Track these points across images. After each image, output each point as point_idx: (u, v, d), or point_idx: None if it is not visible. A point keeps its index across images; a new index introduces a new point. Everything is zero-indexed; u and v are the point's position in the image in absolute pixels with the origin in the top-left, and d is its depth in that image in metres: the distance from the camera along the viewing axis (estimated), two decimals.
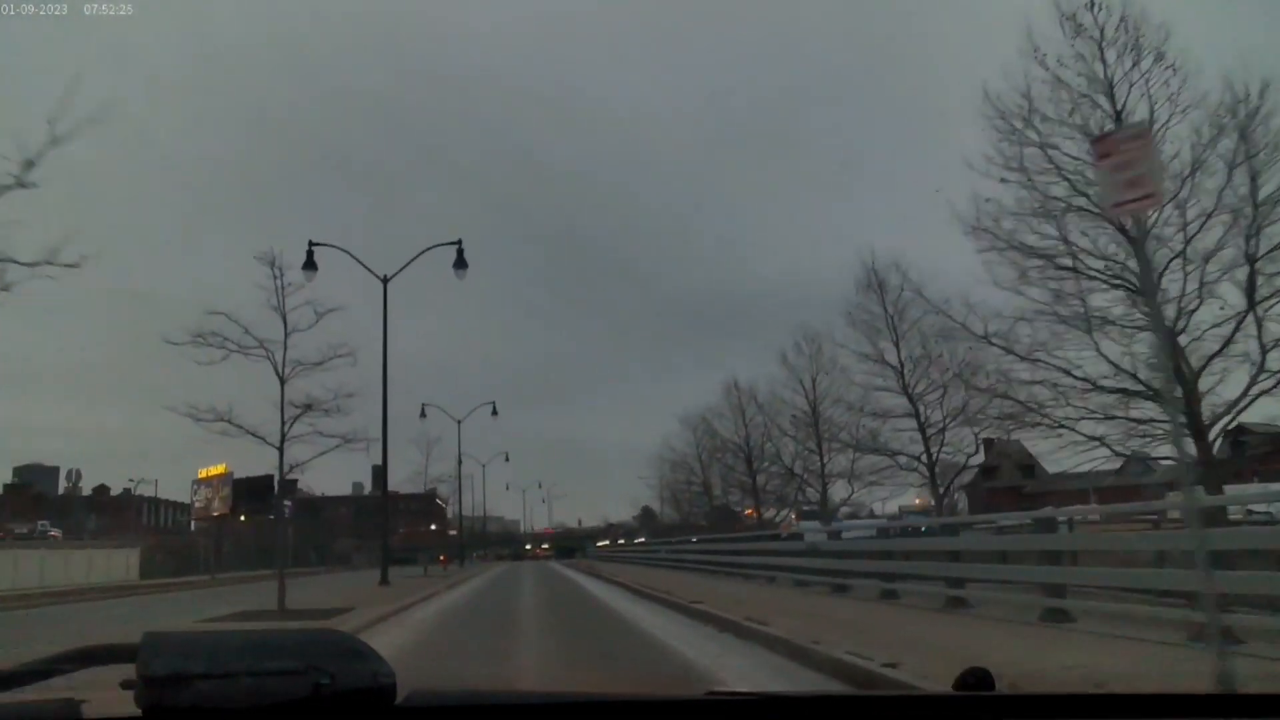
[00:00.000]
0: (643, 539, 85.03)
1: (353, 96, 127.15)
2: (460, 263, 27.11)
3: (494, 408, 46.86)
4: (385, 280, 27.84)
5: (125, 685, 1.38)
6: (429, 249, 28.08)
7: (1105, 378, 16.74)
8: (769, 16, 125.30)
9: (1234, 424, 16.19)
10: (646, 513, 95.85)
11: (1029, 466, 65.97)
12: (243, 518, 67.90)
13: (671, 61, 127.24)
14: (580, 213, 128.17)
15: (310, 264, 24.48)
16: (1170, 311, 15.37)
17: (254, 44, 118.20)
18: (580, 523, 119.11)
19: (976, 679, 1.75)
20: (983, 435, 28.94)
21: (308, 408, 16.44)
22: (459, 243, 27.25)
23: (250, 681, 1.34)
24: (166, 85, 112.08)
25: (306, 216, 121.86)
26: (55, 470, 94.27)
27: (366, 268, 27.75)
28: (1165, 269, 15.57)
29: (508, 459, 64.39)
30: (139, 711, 1.36)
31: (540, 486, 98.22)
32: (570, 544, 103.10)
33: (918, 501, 56.49)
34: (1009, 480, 68.92)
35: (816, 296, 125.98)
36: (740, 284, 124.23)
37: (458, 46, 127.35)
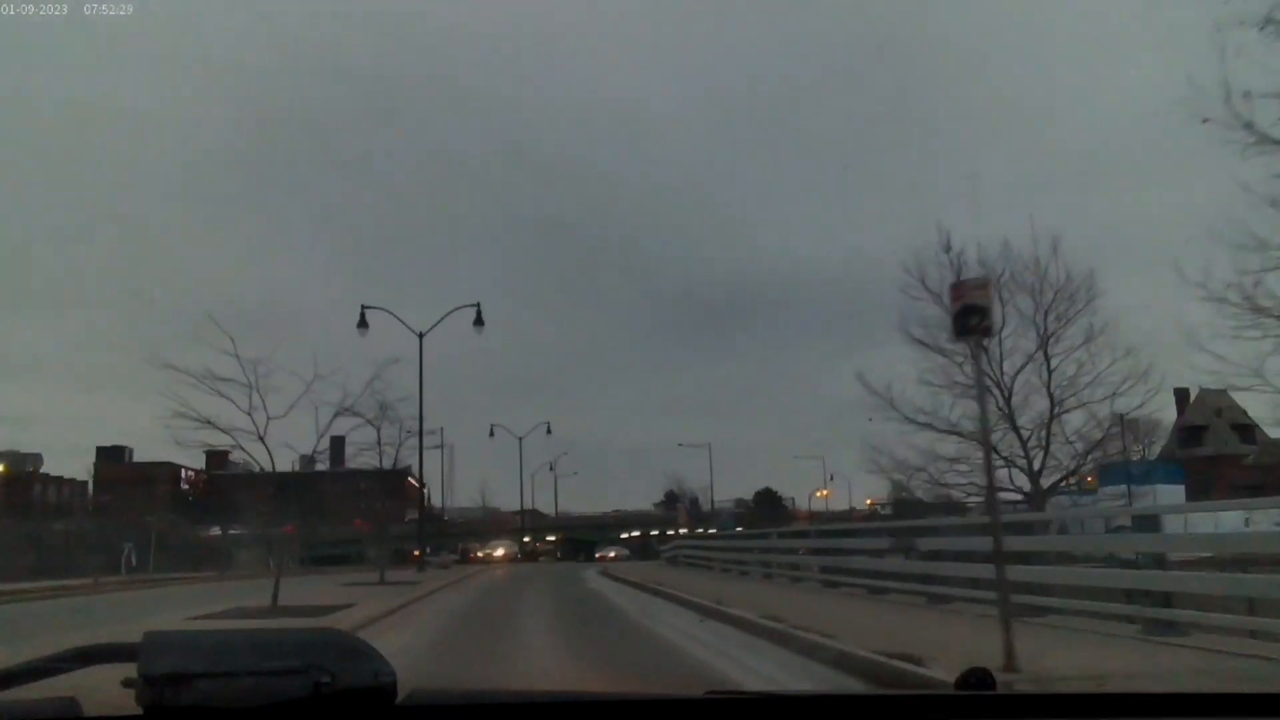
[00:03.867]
0: (684, 529, 67.75)
1: (349, 87, 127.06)
2: (479, 321, 32.21)
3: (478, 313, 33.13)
4: (421, 336, 32.60)
5: (126, 684, 1.38)
6: (456, 309, 33.05)
7: None
8: (773, 4, 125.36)
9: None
10: (670, 498, 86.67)
11: (1245, 427, 48.99)
12: None
13: (674, 49, 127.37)
14: (579, 205, 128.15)
15: (363, 322, 30.83)
16: None
17: (253, 39, 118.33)
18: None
19: (978, 678, 1.75)
20: None
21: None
22: (478, 305, 32.29)
23: (251, 680, 1.34)
24: (165, 81, 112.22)
25: (301, 210, 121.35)
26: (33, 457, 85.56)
27: (405, 324, 32.65)
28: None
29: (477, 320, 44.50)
30: (140, 710, 1.36)
31: (549, 431, 62.73)
32: (586, 537, 79.87)
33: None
34: (1220, 446, 52.23)
35: (822, 290, 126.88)
36: (744, 279, 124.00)
37: (454, 35, 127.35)
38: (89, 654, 1.52)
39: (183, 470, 75.15)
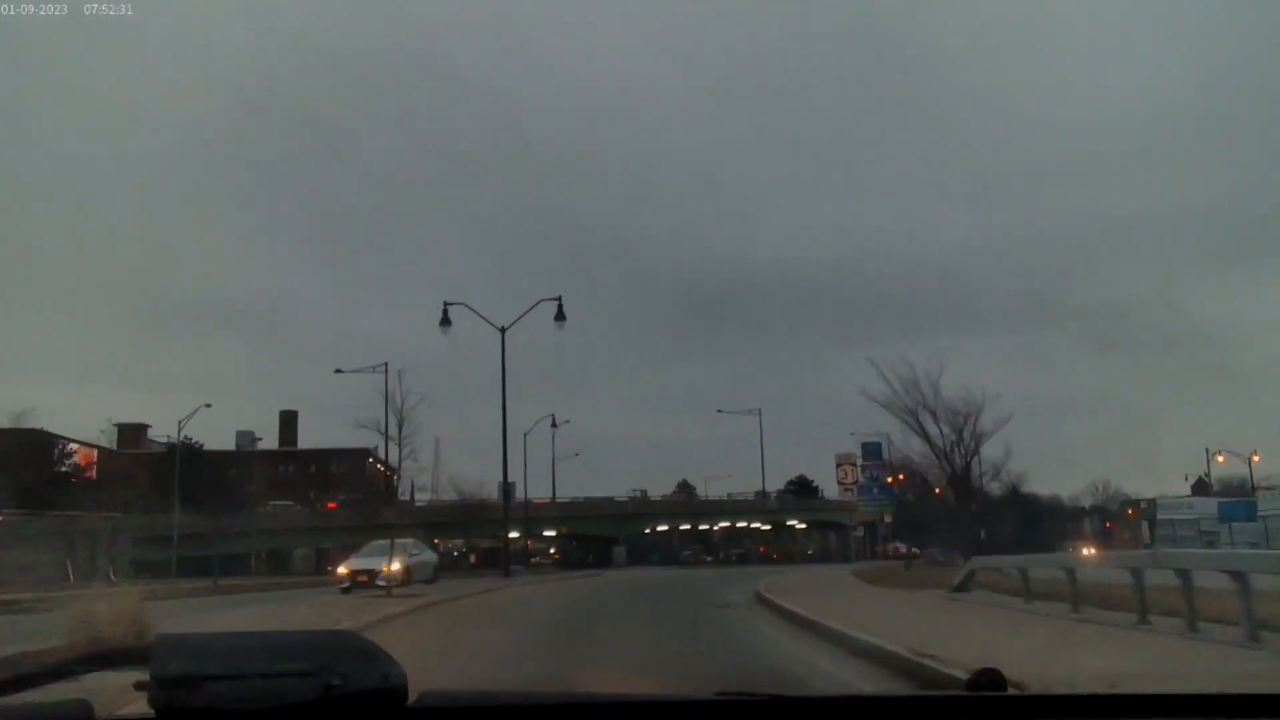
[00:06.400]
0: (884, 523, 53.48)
1: (342, 77, 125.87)
2: (560, 315, 33.06)
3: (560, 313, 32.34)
4: (503, 330, 33.85)
5: (139, 687, 1.39)
6: (540, 301, 33.83)
7: None
8: None
9: None
10: (684, 488, 78.85)
11: None
12: None
13: (674, 41, 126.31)
14: (573, 197, 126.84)
15: (445, 320, 32.50)
16: None
17: (249, 31, 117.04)
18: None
19: (989, 679, 1.75)
20: None
21: None
22: (559, 299, 32.99)
23: (262, 683, 1.35)
24: (164, 79, 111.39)
25: (301, 201, 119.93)
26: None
27: (485, 319, 33.85)
28: None
29: (558, 315, 33.63)
30: (152, 712, 1.37)
31: (561, 313, 33.93)
32: (601, 532, 64.46)
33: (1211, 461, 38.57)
34: None
35: (817, 285, 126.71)
36: (738, 273, 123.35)
37: (449, 24, 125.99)
38: (103, 656, 1.53)
39: (60, 443, 55.86)
